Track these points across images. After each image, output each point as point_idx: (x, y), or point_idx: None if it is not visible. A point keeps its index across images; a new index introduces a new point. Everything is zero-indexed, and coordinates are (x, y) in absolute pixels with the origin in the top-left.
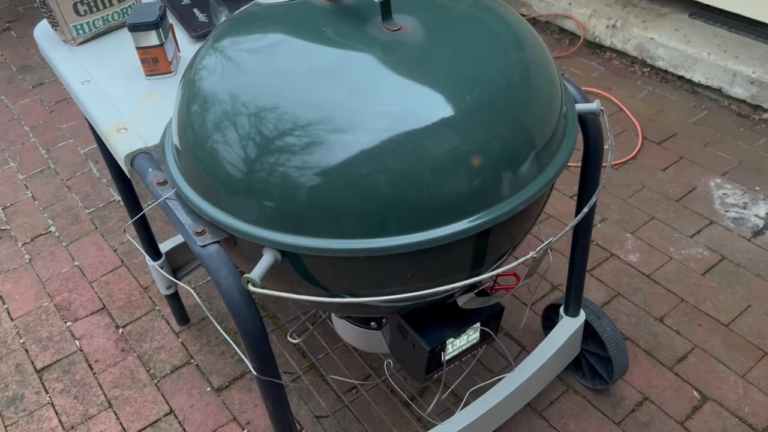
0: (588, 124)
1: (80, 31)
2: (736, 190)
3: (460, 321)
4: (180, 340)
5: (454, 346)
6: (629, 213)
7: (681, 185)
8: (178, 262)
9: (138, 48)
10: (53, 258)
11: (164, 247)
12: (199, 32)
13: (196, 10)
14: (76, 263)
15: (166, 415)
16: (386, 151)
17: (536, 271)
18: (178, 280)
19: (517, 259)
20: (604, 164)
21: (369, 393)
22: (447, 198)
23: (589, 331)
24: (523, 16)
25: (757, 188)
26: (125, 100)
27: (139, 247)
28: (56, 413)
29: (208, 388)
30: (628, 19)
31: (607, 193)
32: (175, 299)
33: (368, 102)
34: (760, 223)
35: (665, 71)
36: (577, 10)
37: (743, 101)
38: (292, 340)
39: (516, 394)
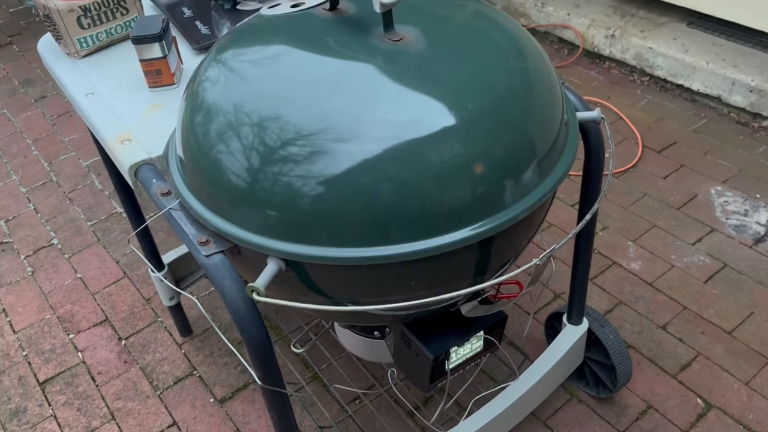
0: (589, 133)
1: (84, 44)
2: (736, 198)
3: (463, 329)
4: (183, 351)
5: (458, 354)
6: (630, 221)
7: (682, 193)
8: (181, 273)
9: (141, 60)
10: (56, 270)
11: (167, 258)
12: (201, 44)
13: (198, 23)
14: (78, 275)
15: (169, 426)
16: (389, 159)
17: (539, 279)
18: (180, 291)
19: (519, 267)
20: (605, 172)
21: (373, 403)
22: (449, 206)
23: (592, 339)
24: (523, 26)
25: (758, 196)
26: (129, 111)
27: (142, 257)
28: (59, 426)
29: (211, 400)
30: (626, 28)
31: (608, 201)
32: (177, 311)
33: (370, 111)
34: (762, 230)
35: (664, 80)
36: (575, 20)
37: (742, 109)
38: (295, 350)
39: (520, 403)
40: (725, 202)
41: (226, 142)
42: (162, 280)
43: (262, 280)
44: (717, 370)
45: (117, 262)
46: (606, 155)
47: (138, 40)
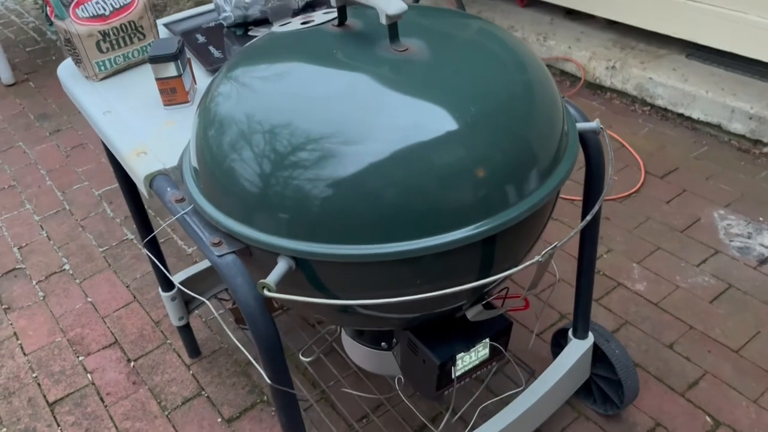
0: (589, 143)
1: (102, 67)
2: (740, 221)
3: (469, 336)
4: (191, 372)
5: (464, 362)
6: (634, 244)
7: (685, 216)
8: (190, 295)
9: (157, 79)
10: (67, 295)
11: (176, 278)
12: (214, 66)
13: (211, 47)
14: (89, 299)
15: None
16: (395, 161)
17: (540, 280)
18: (189, 312)
19: (517, 266)
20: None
21: (381, 419)
22: (453, 205)
23: (598, 354)
24: None
25: (761, 219)
26: (144, 127)
27: (156, 263)
28: None
29: (219, 419)
30: (626, 60)
31: (612, 224)
32: (186, 331)
33: (378, 116)
34: (766, 252)
35: (665, 109)
36: (576, 53)
37: (743, 136)
38: (303, 359)
39: (526, 417)
40: (728, 225)
41: (239, 151)
42: (176, 295)
43: (273, 277)
44: (725, 388)
45: (127, 287)
46: (607, 167)
47: (155, 60)
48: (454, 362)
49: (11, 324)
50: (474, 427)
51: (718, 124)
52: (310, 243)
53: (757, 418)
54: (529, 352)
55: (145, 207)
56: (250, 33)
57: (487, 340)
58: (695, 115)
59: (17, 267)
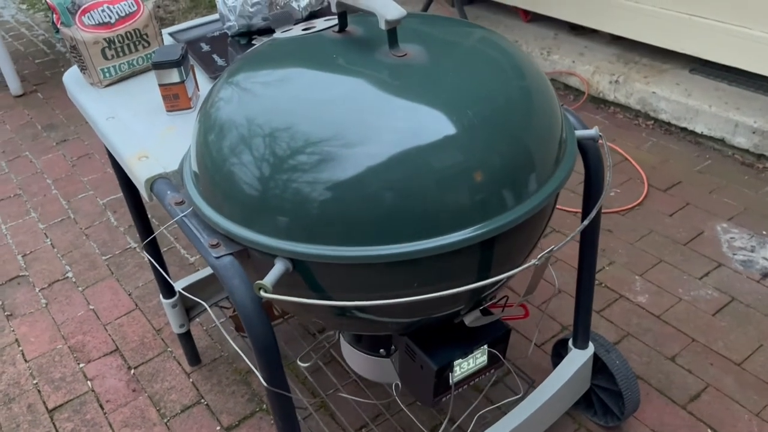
0: (588, 150)
1: (107, 74)
2: (743, 235)
3: (467, 342)
4: (191, 380)
5: (462, 368)
6: (637, 256)
7: (688, 229)
8: (191, 302)
9: (160, 84)
10: (69, 302)
11: (178, 285)
12: (217, 74)
13: (215, 56)
14: (91, 307)
15: None
16: (391, 164)
17: (537, 285)
18: (190, 319)
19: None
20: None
21: (379, 428)
22: (450, 208)
23: (598, 365)
24: None
25: (765, 232)
26: (146, 132)
27: (157, 267)
28: None
29: (218, 428)
30: (630, 75)
31: (614, 237)
32: (187, 339)
33: (375, 119)
34: None
35: (668, 123)
36: (580, 67)
37: (746, 150)
38: (301, 364)
39: (524, 426)
40: (731, 238)
41: (238, 155)
42: (176, 304)
43: (269, 278)
44: (727, 401)
45: (129, 295)
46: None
47: (158, 65)
48: (451, 368)
49: (13, 331)
50: None
51: (721, 139)
52: (306, 245)
53: (759, 431)
54: (529, 362)
55: (148, 216)
56: (253, 42)
57: (486, 346)
58: (699, 129)
59: (21, 274)
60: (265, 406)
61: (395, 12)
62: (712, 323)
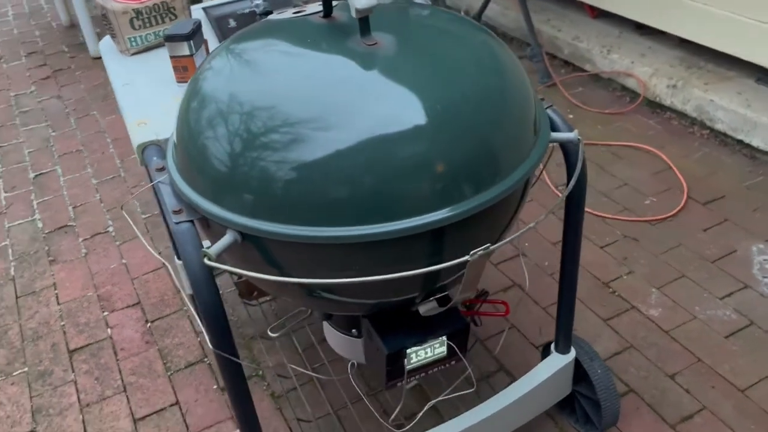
0: (569, 153)
1: (134, 43)
2: None
3: (423, 331)
4: (199, 339)
5: (419, 356)
6: (659, 269)
7: (720, 247)
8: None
9: (171, 56)
10: (106, 254)
11: None
12: None
13: None
14: (123, 261)
15: (171, 405)
16: (338, 147)
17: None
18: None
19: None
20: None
21: (357, 409)
22: (401, 194)
23: (581, 372)
24: (585, 72)
25: None
26: (153, 100)
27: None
28: (77, 390)
29: (215, 386)
30: (689, 80)
31: (639, 247)
32: None
33: (324, 103)
34: None
35: (724, 134)
36: (639, 68)
37: None
38: (271, 334)
39: (491, 421)
40: (765, 260)
41: (198, 123)
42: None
43: (215, 248)
44: (720, 427)
45: (159, 254)
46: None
47: (169, 38)
48: (405, 355)
49: (53, 275)
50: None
51: None
52: (253, 220)
53: None
54: (523, 362)
55: None
56: None
57: (444, 338)
58: (755, 143)
59: (69, 224)
60: (261, 372)
61: (364, 1)
62: (722, 345)
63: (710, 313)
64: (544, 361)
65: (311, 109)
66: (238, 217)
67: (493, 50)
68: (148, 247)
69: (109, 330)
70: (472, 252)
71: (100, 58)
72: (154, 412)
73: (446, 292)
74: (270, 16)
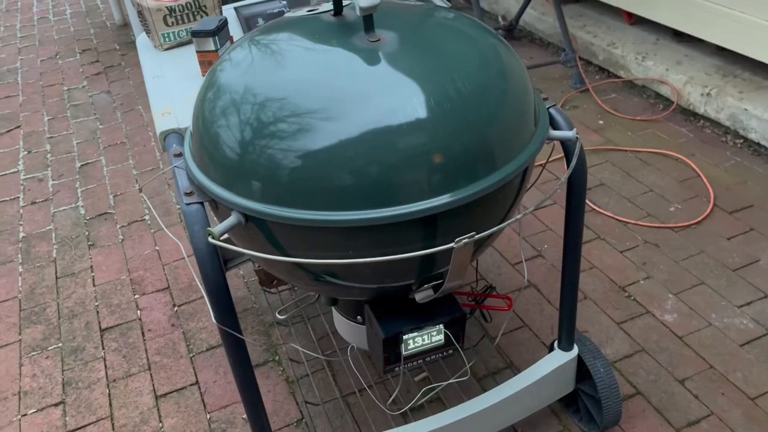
0: (568, 149)
1: (167, 39)
2: None
3: (420, 318)
4: None
5: (415, 343)
6: (678, 275)
7: (743, 256)
8: (229, 254)
9: (198, 51)
10: (141, 241)
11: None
12: None
13: None
14: (156, 248)
15: (191, 385)
16: (339, 136)
17: (462, 272)
18: (226, 269)
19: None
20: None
21: (364, 400)
22: (397, 180)
23: (584, 370)
24: (620, 78)
25: None
26: (179, 92)
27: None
28: (105, 367)
29: None
30: (724, 88)
31: (660, 252)
32: None
33: (326, 96)
34: None
35: (758, 144)
36: (673, 76)
37: None
38: (279, 316)
39: (494, 410)
40: None
41: (211, 111)
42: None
43: (219, 228)
44: None
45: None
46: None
47: (196, 34)
48: (402, 340)
49: (90, 258)
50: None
51: None
52: (257, 203)
53: None
54: (531, 360)
55: None
56: None
57: (442, 326)
58: None
59: (108, 212)
60: (278, 357)
61: (368, 0)
62: (737, 353)
63: (727, 320)
64: (546, 356)
65: (315, 101)
66: (241, 200)
67: (492, 47)
68: (163, 227)
69: (138, 312)
70: (456, 239)
71: None
72: (175, 390)
73: (442, 280)
74: (287, 14)
